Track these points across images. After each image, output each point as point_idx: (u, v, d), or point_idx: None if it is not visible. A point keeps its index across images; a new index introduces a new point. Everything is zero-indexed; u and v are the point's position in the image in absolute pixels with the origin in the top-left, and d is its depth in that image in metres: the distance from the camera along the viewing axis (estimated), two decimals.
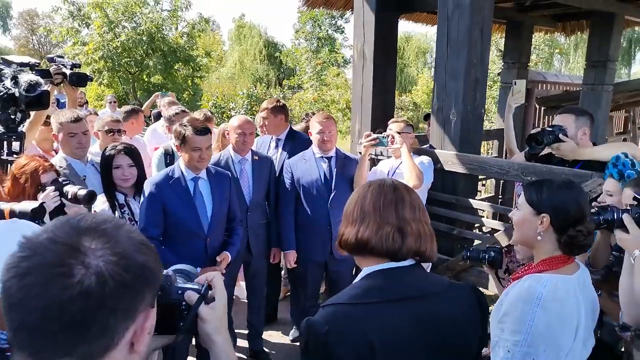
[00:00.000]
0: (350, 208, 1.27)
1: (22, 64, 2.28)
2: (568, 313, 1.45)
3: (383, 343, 1.09)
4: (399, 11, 4.07)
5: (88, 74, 2.95)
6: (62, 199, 2.21)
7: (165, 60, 14.48)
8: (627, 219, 1.73)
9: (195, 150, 2.56)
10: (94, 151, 3.23)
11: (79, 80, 2.79)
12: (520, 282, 1.51)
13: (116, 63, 13.85)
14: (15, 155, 2.30)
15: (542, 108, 6.67)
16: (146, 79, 14.91)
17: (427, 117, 3.91)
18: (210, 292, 0.96)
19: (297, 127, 4.14)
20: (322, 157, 3.27)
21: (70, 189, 2.20)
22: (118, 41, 13.60)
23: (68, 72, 2.73)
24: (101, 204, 2.61)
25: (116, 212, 2.61)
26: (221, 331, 0.95)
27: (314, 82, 16.03)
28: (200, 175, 2.66)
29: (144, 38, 13.86)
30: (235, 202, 2.86)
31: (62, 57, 2.89)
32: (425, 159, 3.17)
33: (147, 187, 2.54)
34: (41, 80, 2.16)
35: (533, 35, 6.26)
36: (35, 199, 2.23)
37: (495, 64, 13.27)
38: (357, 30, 3.93)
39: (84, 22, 14.26)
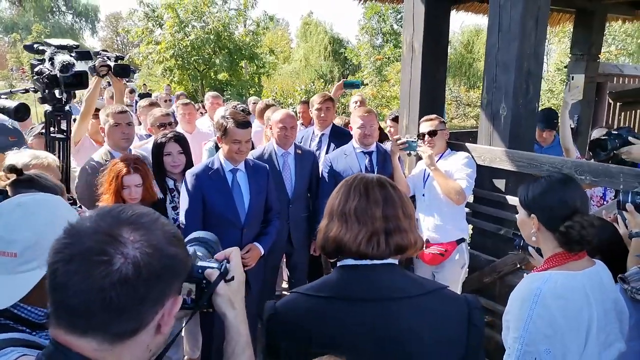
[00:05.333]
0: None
1: (60, 46, 2.43)
2: (574, 311, 1.36)
3: (321, 338, 1.09)
4: (451, 1, 3.92)
5: (131, 66, 3.14)
6: None
7: (231, 58, 15.02)
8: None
9: (235, 142, 2.63)
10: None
11: (123, 71, 2.98)
12: (522, 281, 1.46)
13: (186, 61, 14.59)
14: (64, 134, 2.47)
15: (618, 104, 6.14)
16: (213, 76, 15.56)
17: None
18: (229, 271, 1.01)
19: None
20: (363, 151, 3.25)
21: None
22: (188, 40, 14.32)
23: (112, 64, 2.91)
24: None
25: (167, 196, 2.83)
26: (234, 305, 0.99)
27: (374, 77, 15.85)
28: (239, 167, 2.74)
29: (212, 37, 14.47)
30: (273, 194, 2.91)
31: (106, 50, 3.09)
32: (465, 158, 3.02)
33: (188, 177, 2.66)
34: (74, 61, 2.30)
35: (610, 25, 5.77)
36: (118, 197, 2.46)
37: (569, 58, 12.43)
38: (406, 22, 3.83)
39: (157, 22, 15.15)
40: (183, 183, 2.70)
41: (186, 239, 1.10)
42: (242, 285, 1.03)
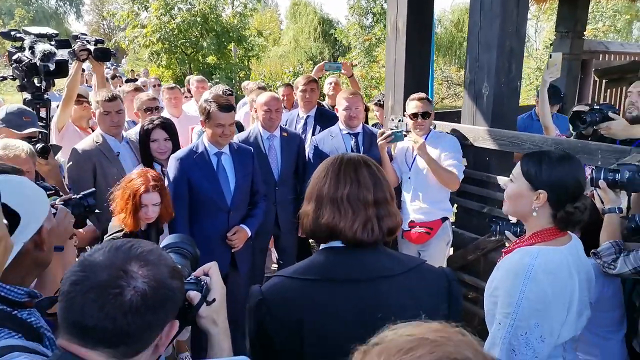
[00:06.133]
0: (309, 186, 1.28)
1: (39, 35, 2.43)
2: (561, 285, 1.41)
3: (313, 321, 1.09)
4: None
5: (111, 49, 3.12)
6: None
7: (219, 41, 14.83)
8: None
9: (219, 126, 2.64)
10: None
11: (103, 55, 2.96)
12: (510, 255, 1.48)
13: (173, 45, 14.38)
14: (44, 121, 2.47)
15: (604, 81, 6.19)
16: (201, 60, 15.36)
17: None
18: (210, 290, 1.05)
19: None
20: (349, 133, 3.27)
21: None
22: (174, 23, 14.08)
23: (92, 48, 2.88)
24: None
25: None
26: (217, 323, 1.05)
27: (362, 58, 15.73)
28: (223, 150, 2.75)
29: (198, 19, 14.25)
30: (259, 176, 2.93)
31: (85, 34, 3.06)
32: (451, 143, 3.04)
33: (172, 162, 2.67)
34: (54, 50, 2.30)
35: (598, 1, 5.76)
36: (135, 216, 2.31)
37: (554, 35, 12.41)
38: (390, 2, 3.82)
39: (142, 5, 14.88)
40: (168, 167, 2.71)
41: (160, 245, 1.13)
42: (224, 301, 1.06)
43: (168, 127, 2.93)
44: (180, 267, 1.06)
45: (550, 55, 2.98)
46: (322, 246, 1.23)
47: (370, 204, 1.17)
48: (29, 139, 2.35)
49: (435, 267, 1.28)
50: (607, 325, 2.04)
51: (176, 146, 2.97)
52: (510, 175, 1.58)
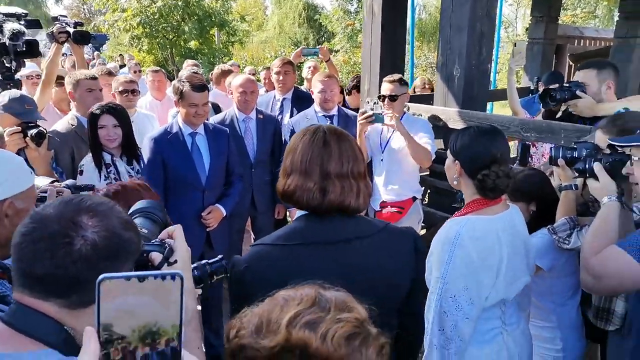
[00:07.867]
0: (284, 157, 1.33)
1: (8, 14, 2.40)
2: (487, 251, 1.51)
3: (297, 282, 1.12)
4: None
5: (91, 32, 3.10)
6: None
7: (201, 25, 14.64)
8: (597, 167, 1.71)
9: (192, 105, 2.66)
10: None
11: (82, 37, 2.93)
12: (443, 225, 1.58)
13: (154, 29, 14.17)
14: None
15: (578, 65, 6.30)
16: (183, 45, 15.17)
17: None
18: (173, 251, 1.06)
19: None
20: (324, 115, 3.31)
21: None
22: (155, 7, 13.85)
23: (71, 30, 2.86)
24: (88, 162, 2.62)
25: (102, 172, 2.59)
26: None
27: (345, 44, 15.70)
28: (198, 130, 2.78)
29: (180, 3, 14.05)
30: (234, 157, 2.96)
31: (65, 16, 3.03)
32: (423, 124, 3.08)
33: (147, 142, 2.69)
34: (24, 29, 2.29)
35: None
36: None
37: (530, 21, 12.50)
38: None
39: None
40: (142, 148, 2.73)
41: (130, 211, 1.15)
42: (188, 262, 1.08)
43: (118, 113, 2.62)
44: (147, 231, 1.10)
45: (515, 43, 3.07)
46: (298, 213, 1.30)
47: (362, 177, 1.29)
48: (26, 123, 2.32)
49: (399, 227, 1.37)
50: (561, 292, 2.14)
51: (127, 135, 2.67)
52: None
